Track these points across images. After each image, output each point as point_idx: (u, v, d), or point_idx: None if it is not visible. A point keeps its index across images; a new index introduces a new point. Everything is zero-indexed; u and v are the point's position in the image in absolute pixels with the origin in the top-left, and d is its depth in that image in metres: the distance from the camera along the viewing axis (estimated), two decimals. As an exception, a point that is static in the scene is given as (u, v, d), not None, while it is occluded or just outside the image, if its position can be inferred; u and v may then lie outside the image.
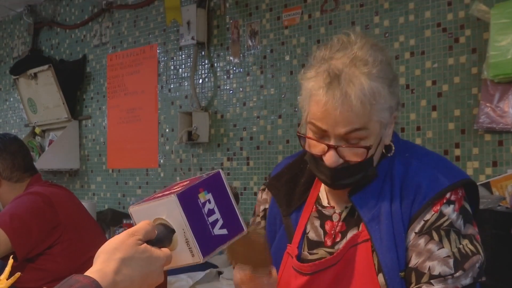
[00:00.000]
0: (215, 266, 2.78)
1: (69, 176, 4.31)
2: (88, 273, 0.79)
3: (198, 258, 0.88)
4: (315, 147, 1.13)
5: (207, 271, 2.64)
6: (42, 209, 1.96)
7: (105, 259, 0.81)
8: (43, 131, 4.42)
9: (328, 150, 1.10)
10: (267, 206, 1.36)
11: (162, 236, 0.87)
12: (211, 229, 0.89)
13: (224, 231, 0.91)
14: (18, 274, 1.11)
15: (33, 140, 4.39)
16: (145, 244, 0.84)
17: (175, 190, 0.90)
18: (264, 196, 1.38)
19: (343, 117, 1.06)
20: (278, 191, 1.30)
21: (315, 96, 1.10)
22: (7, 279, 1.12)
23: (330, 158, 1.10)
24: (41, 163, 4.02)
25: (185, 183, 0.93)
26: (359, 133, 1.08)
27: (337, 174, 1.12)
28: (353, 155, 1.10)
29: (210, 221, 0.90)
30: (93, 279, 0.76)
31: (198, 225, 0.88)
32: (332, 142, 1.10)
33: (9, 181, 2.10)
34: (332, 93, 1.06)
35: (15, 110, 4.85)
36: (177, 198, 0.86)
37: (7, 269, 1.15)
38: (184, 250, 0.88)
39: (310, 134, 1.14)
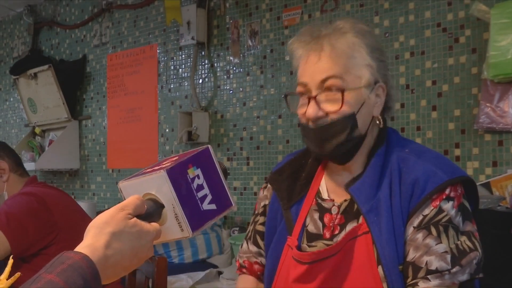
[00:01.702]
0: (215, 266, 2.78)
1: (69, 176, 4.31)
2: (78, 248, 0.79)
3: (187, 233, 0.88)
4: (301, 106, 1.20)
5: (207, 271, 2.64)
6: (37, 210, 1.97)
7: (95, 234, 0.81)
8: (43, 131, 4.42)
9: (309, 103, 1.17)
10: (267, 202, 1.37)
11: (152, 211, 0.88)
12: (200, 204, 0.90)
13: (213, 206, 0.92)
14: (18, 274, 1.11)
15: (33, 140, 4.39)
16: (135, 218, 0.84)
17: (164, 165, 0.90)
18: (265, 193, 1.40)
19: (319, 66, 1.15)
20: (279, 185, 1.32)
21: (298, 52, 1.21)
22: (7, 279, 1.12)
23: (310, 109, 1.16)
24: (41, 163, 4.02)
25: (174, 158, 0.94)
26: (335, 81, 1.14)
27: (320, 133, 1.16)
28: (330, 103, 1.15)
29: (199, 196, 0.90)
30: (84, 255, 0.76)
31: (187, 200, 0.88)
32: (312, 94, 1.16)
33: (15, 173, 2.17)
34: (311, 47, 1.18)
35: (15, 110, 4.85)
36: (167, 173, 0.86)
37: (7, 269, 1.15)
38: (174, 225, 0.89)
39: (300, 98, 1.22)
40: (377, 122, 1.21)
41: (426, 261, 1.07)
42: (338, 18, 1.25)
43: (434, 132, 2.44)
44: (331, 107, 1.14)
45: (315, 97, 1.15)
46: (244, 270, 1.40)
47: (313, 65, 1.16)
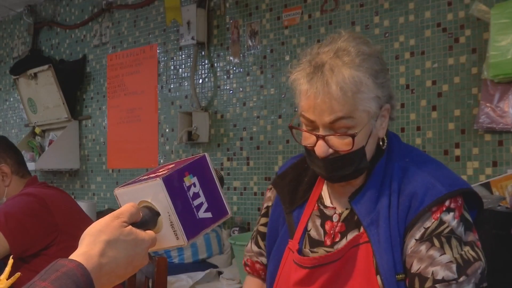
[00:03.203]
0: (215, 266, 2.78)
1: (69, 176, 4.31)
2: (73, 256, 0.78)
3: (183, 241, 0.88)
4: (307, 139, 1.17)
5: (207, 271, 2.64)
6: (37, 210, 1.96)
7: (90, 242, 0.80)
8: (43, 131, 4.42)
9: (317, 141, 1.14)
10: (270, 204, 1.39)
11: (147, 218, 0.87)
12: (195, 213, 0.90)
13: (208, 215, 0.92)
14: (18, 274, 1.11)
15: (33, 140, 4.39)
16: (130, 226, 0.84)
17: (160, 173, 0.90)
18: (269, 194, 1.41)
19: (326, 106, 1.10)
20: (282, 189, 1.33)
21: (300, 87, 1.14)
22: (7, 279, 1.12)
23: (319, 148, 1.13)
24: (41, 163, 4.01)
25: (171, 166, 0.93)
26: (345, 122, 1.11)
27: (330, 165, 1.15)
28: (341, 144, 1.13)
29: (195, 205, 0.90)
30: (78, 263, 0.76)
31: (183, 209, 0.88)
32: (320, 132, 1.13)
33: (17, 175, 2.14)
34: (314, 83, 1.11)
35: (15, 110, 4.85)
36: (163, 181, 0.86)
37: (7, 269, 1.15)
38: (169, 233, 0.88)
39: (303, 127, 1.18)
40: (381, 143, 1.20)
41: (432, 272, 1.07)
42: (337, 33, 1.18)
43: (434, 132, 2.44)
44: (342, 147, 1.13)
45: (324, 137, 1.13)
46: (247, 269, 1.43)
47: (320, 103, 1.10)
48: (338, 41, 1.14)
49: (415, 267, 1.10)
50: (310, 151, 1.17)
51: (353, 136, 1.11)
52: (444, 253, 1.07)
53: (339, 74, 1.09)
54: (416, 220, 1.11)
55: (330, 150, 1.13)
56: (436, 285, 1.06)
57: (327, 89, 1.09)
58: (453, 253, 1.07)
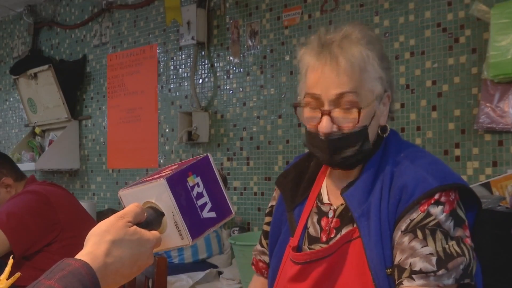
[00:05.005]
0: (215, 266, 2.78)
1: (69, 176, 4.31)
2: (79, 256, 0.79)
3: (187, 241, 0.89)
4: (311, 119, 1.17)
5: (207, 271, 2.64)
6: (40, 208, 1.96)
7: (96, 242, 0.81)
8: (43, 131, 4.42)
9: (322, 117, 1.13)
10: (274, 203, 1.40)
11: (152, 219, 0.88)
12: (199, 212, 0.91)
13: (212, 214, 0.93)
14: (18, 274, 1.11)
15: (33, 140, 4.39)
16: (135, 226, 0.84)
17: (164, 173, 0.90)
18: (274, 193, 1.43)
19: (333, 79, 1.11)
20: (284, 187, 1.34)
21: (308, 62, 1.16)
22: (7, 279, 1.12)
23: (323, 125, 1.13)
24: (41, 163, 4.02)
25: (174, 167, 0.94)
26: (351, 97, 1.11)
27: (333, 145, 1.14)
28: (346, 121, 1.13)
29: (199, 204, 0.91)
30: (84, 262, 0.77)
31: (187, 208, 0.89)
32: (325, 108, 1.13)
33: (16, 181, 2.16)
34: (323, 58, 1.13)
35: (15, 110, 4.85)
36: (166, 181, 0.87)
37: (7, 269, 1.15)
38: (174, 233, 0.89)
39: (307, 109, 1.18)
40: (379, 132, 1.21)
41: (410, 262, 1.06)
42: (344, 24, 1.21)
43: (434, 132, 2.44)
44: (346, 124, 1.13)
45: (329, 113, 1.13)
46: (253, 267, 1.46)
47: (327, 78, 1.11)
48: (345, 27, 1.17)
49: (397, 258, 1.09)
50: (312, 133, 1.17)
51: (359, 109, 1.11)
52: (426, 245, 1.06)
53: (348, 50, 1.11)
54: (404, 213, 1.11)
55: (334, 127, 1.13)
56: (413, 276, 1.05)
57: (336, 63, 1.11)
58: (436, 246, 1.06)
